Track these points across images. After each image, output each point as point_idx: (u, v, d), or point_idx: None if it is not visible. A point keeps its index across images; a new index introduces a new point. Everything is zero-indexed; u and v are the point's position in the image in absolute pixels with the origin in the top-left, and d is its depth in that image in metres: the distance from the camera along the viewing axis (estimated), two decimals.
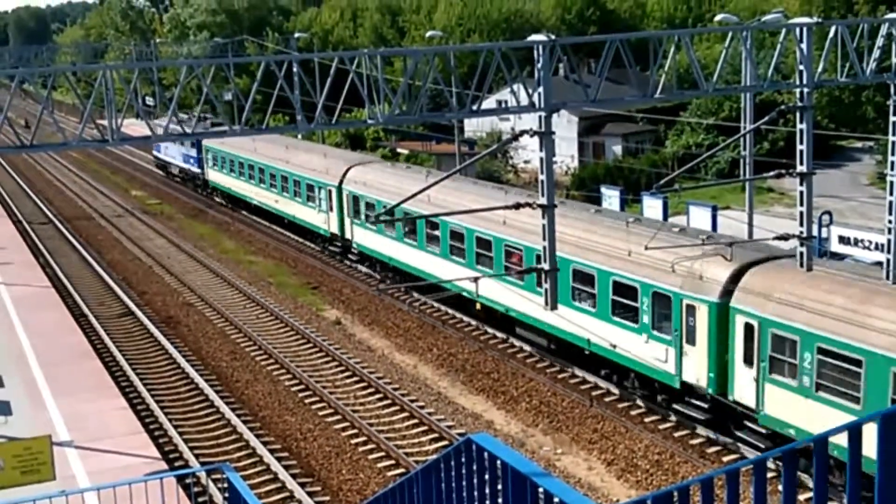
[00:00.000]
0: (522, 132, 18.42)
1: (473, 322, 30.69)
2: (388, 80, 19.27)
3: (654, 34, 23.67)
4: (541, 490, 5.88)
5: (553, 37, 18.21)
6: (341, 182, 38.70)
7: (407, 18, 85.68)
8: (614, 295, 23.74)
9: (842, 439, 4.30)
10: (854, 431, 4.17)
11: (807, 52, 19.16)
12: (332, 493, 20.68)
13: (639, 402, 24.03)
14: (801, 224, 19.89)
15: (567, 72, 44.18)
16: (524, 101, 18.55)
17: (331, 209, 39.75)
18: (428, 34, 56.88)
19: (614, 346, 23.82)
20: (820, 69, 20.10)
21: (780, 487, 4.84)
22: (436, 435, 23.07)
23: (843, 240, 29.55)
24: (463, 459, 6.98)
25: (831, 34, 19.51)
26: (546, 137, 18.29)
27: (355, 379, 26.92)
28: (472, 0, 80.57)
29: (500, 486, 6.40)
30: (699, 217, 32.36)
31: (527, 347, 28.14)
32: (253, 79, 18.75)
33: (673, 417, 23.01)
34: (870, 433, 4.16)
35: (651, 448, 22.07)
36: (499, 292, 27.94)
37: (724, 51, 19.84)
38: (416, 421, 23.97)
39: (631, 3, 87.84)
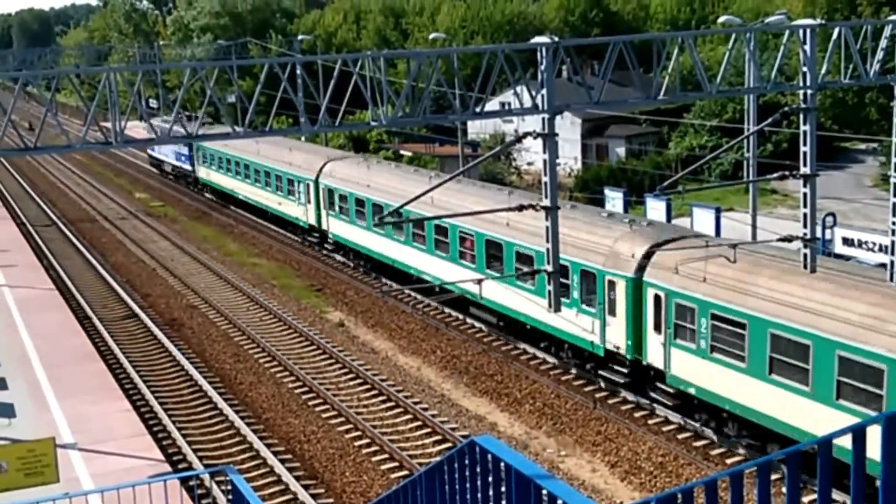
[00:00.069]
0: (526, 134, 18.45)
1: (477, 324, 30.72)
2: (391, 82, 19.24)
3: (657, 36, 23.65)
4: (544, 492, 5.87)
5: (556, 39, 18.23)
6: (318, 176, 40.35)
7: (410, 20, 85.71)
8: None
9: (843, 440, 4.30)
10: (858, 434, 4.17)
11: (810, 53, 19.15)
12: (336, 496, 20.67)
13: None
14: (805, 226, 19.92)
15: (570, 74, 44.18)
16: (527, 103, 18.53)
17: (308, 202, 41.39)
18: (431, 36, 56.87)
19: (551, 321, 26.06)
20: (823, 71, 20.10)
21: (784, 490, 4.84)
22: (439, 437, 23.07)
23: (847, 241, 29.53)
24: (466, 461, 6.97)
25: (835, 36, 19.50)
26: (549, 139, 18.31)
27: (359, 381, 26.91)
28: (476, 2, 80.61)
29: (503, 489, 6.39)
30: (703, 219, 32.32)
31: (530, 349, 28.28)
32: (256, 81, 18.74)
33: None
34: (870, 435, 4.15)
35: (655, 450, 22.06)
36: (456, 275, 29.65)
37: (727, 52, 19.86)
38: (419, 423, 23.97)
39: (634, 4, 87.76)
